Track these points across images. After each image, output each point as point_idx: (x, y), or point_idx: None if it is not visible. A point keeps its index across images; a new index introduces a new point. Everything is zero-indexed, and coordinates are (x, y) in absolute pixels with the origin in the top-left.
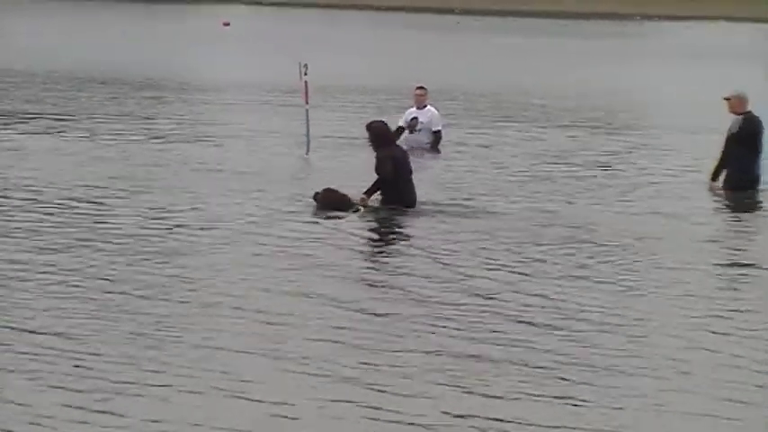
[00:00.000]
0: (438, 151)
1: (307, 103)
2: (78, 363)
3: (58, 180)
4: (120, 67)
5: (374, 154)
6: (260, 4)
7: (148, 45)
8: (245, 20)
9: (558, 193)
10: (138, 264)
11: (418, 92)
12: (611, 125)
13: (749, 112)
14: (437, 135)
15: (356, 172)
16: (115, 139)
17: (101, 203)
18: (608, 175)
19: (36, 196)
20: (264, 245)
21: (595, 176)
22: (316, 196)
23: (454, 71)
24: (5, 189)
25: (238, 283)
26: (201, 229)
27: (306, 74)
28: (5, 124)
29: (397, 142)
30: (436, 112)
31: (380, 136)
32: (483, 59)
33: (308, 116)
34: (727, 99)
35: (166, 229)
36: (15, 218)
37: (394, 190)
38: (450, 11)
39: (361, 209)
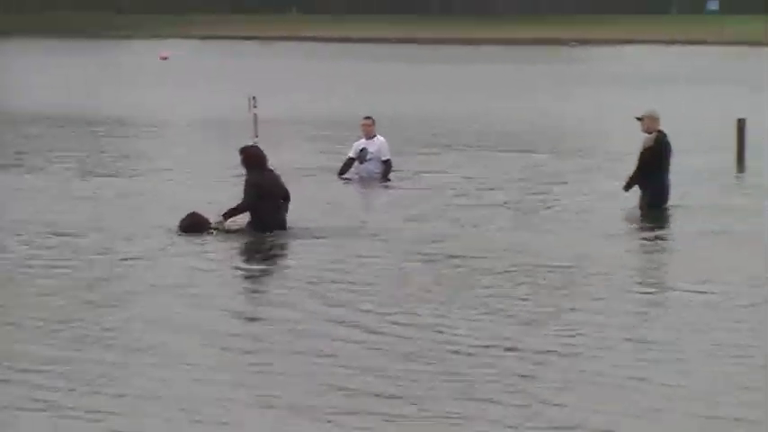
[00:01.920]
0: (388, 179)
1: (256, 136)
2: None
3: None
4: (57, 105)
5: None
6: (194, 37)
7: (84, 81)
8: (184, 53)
9: (483, 218)
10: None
11: (366, 122)
12: (548, 149)
13: (660, 130)
14: (387, 164)
15: (309, 202)
16: (53, 175)
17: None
18: (535, 199)
19: None
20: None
21: (519, 201)
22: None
23: (398, 101)
24: None
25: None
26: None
27: (255, 106)
28: None
29: (349, 173)
30: (385, 141)
31: (249, 159)
32: (426, 87)
33: None
34: (639, 119)
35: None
36: None
37: (259, 214)
38: (387, 40)
39: (214, 232)
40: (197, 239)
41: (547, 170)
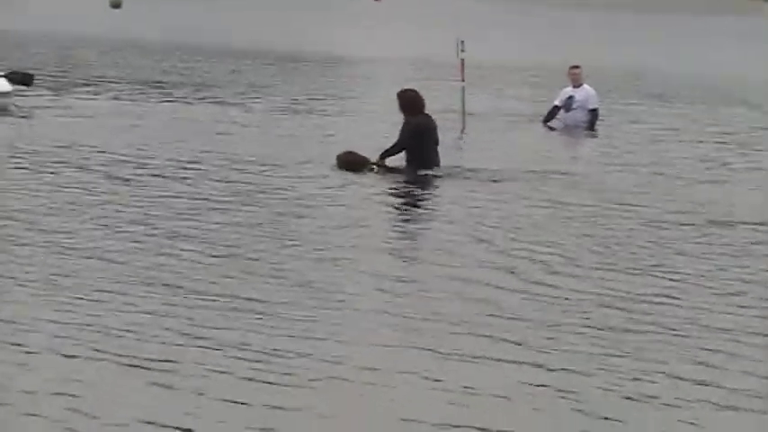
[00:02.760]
0: (594, 129)
1: (463, 80)
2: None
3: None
4: (268, 42)
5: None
6: None
7: (302, 19)
8: None
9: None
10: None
11: (573, 71)
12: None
13: None
14: (594, 113)
15: (511, 148)
16: (251, 111)
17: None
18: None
19: (149, 160)
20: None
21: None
22: (337, 158)
23: (608, 51)
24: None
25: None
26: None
27: (463, 50)
28: (144, 93)
29: (554, 121)
30: (592, 90)
31: (407, 104)
32: (633, 39)
33: (464, 93)
34: None
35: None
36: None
37: (415, 156)
38: None
39: (375, 168)
40: (359, 177)
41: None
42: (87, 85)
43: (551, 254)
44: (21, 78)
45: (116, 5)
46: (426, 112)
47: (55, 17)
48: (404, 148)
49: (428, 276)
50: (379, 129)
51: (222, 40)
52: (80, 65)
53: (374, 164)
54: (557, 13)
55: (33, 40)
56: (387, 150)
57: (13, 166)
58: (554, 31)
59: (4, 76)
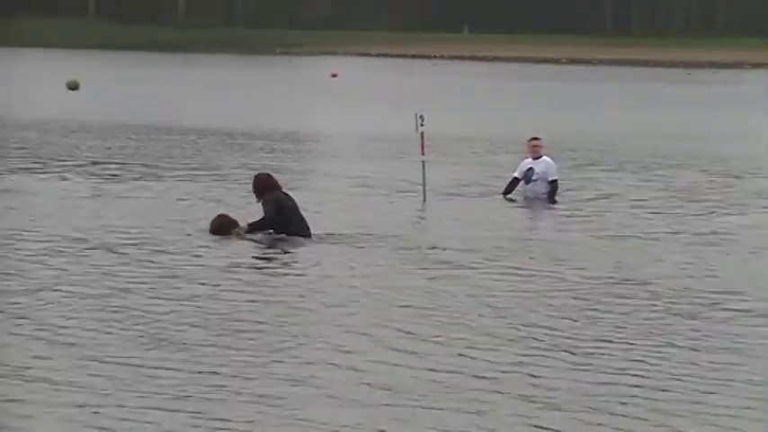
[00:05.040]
0: (555, 201)
1: (423, 153)
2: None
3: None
4: (225, 119)
5: (261, 201)
6: (368, 55)
7: (255, 95)
8: (354, 71)
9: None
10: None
11: (533, 143)
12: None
13: None
14: (553, 184)
15: (471, 221)
16: (213, 188)
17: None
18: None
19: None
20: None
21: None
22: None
23: (564, 121)
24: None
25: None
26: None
27: (422, 125)
28: (89, 172)
29: (513, 193)
30: (552, 162)
31: (260, 185)
32: (593, 107)
33: (424, 167)
34: None
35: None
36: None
37: (283, 227)
38: (557, 61)
39: (241, 233)
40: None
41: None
42: (32, 167)
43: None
44: None
45: (73, 88)
46: (285, 190)
47: (11, 100)
48: (272, 225)
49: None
50: (330, 202)
51: (177, 119)
52: (29, 146)
53: (240, 230)
54: (514, 85)
55: None
56: (254, 223)
57: None
58: (513, 102)
59: None
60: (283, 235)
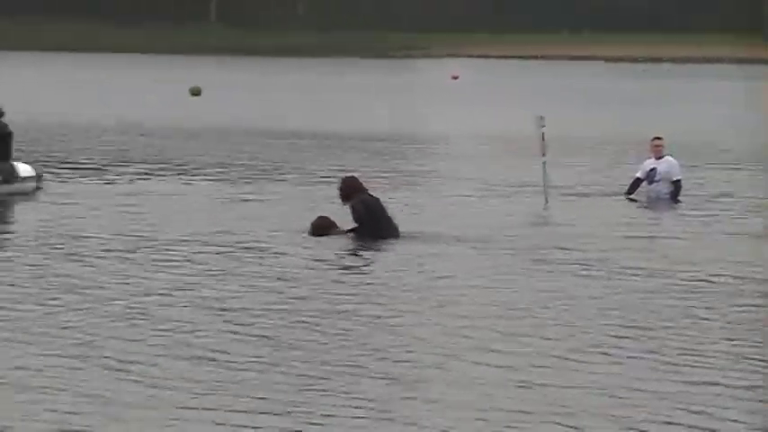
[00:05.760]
0: (678, 201)
1: (544, 155)
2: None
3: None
4: (345, 122)
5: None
6: (488, 56)
7: (376, 98)
8: (474, 72)
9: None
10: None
11: (655, 142)
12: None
13: None
14: (677, 184)
15: (595, 222)
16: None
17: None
18: None
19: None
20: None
21: None
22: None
23: (679, 119)
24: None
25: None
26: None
27: (543, 126)
28: (197, 175)
29: (636, 193)
30: (675, 161)
31: (347, 188)
32: (704, 105)
33: (545, 168)
34: None
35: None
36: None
37: (372, 230)
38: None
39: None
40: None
41: None
42: (152, 172)
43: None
44: None
45: (196, 93)
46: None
47: (137, 105)
48: (362, 228)
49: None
50: (456, 204)
51: (297, 123)
52: (150, 151)
53: (339, 231)
54: (635, 85)
55: (109, 128)
56: (351, 229)
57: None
58: (635, 102)
59: None
60: (374, 237)
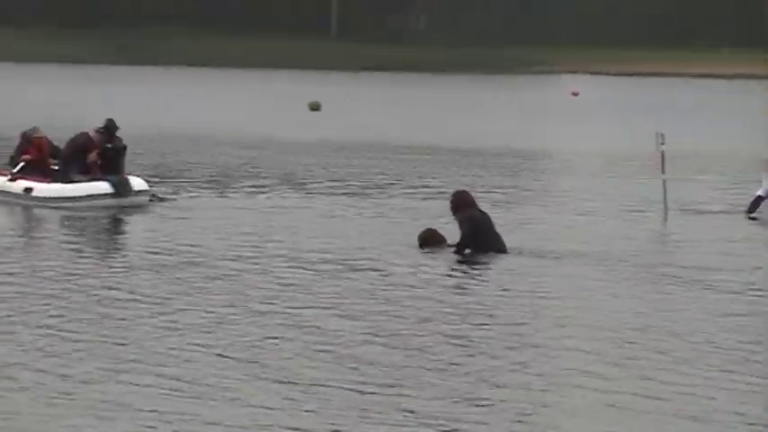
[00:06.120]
0: None
1: (663, 172)
2: None
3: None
4: (468, 137)
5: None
6: (608, 73)
7: (493, 113)
8: (594, 89)
9: None
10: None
11: None
12: None
13: None
14: None
15: (714, 240)
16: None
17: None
18: None
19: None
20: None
21: None
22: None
23: None
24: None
25: None
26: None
27: (662, 143)
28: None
29: (757, 212)
30: None
31: (457, 202)
32: None
33: (665, 186)
34: None
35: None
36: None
37: (479, 245)
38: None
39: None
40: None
41: None
42: (267, 186)
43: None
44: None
45: (315, 108)
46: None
47: (256, 119)
48: (468, 243)
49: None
50: (574, 220)
51: (415, 138)
52: (264, 165)
53: (449, 244)
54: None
55: (226, 142)
56: (457, 244)
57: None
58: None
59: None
60: (481, 252)
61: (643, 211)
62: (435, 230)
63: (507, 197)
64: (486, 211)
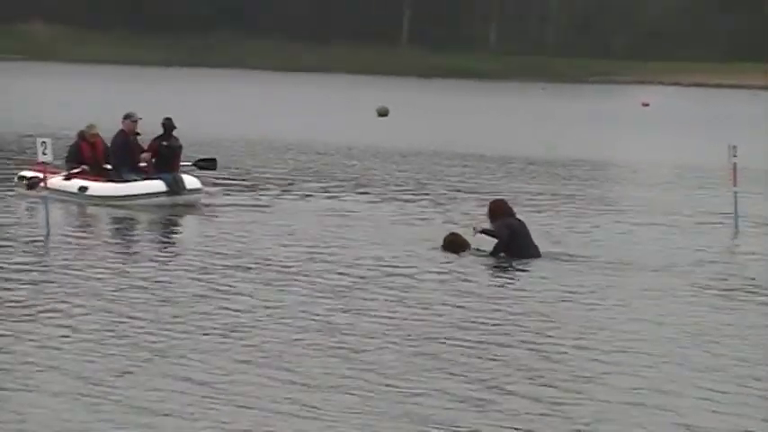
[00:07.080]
0: None
1: (735, 185)
2: None
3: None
4: (531, 145)
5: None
6: (680, 84)
7: (563, 122)
8: (665, 100)
9: None
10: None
11: None
12: None
13: None
14: None
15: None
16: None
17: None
18: None
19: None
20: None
21: None
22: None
23: None
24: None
25: None
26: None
27: (734, 156)
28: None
29: None
30: None
31: (494, 210)
32: None
33: (736, 198)
34: None
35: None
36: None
37: (514, 251)
38: None
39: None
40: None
41: None
42: (326, 189)
43: None
44: (205, 164)
45: (383, 114)
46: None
47: (324, 124)
48: (503, 249)
49: None
50: (644, 232)
51: (487, 146)
52: (326, 169)
53: (474, 249)
54: None
55: (293, 146)
56: (488, 229)
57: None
58: None
59: (192, 165)
60: (518, 258)
61: (713, 223)
62: (458, 235)
63: (577, 206)
64: (522, 219)
